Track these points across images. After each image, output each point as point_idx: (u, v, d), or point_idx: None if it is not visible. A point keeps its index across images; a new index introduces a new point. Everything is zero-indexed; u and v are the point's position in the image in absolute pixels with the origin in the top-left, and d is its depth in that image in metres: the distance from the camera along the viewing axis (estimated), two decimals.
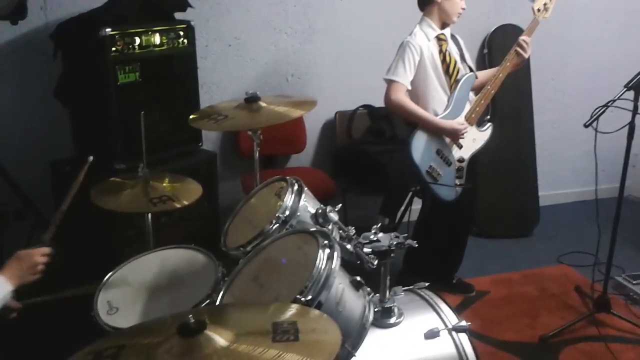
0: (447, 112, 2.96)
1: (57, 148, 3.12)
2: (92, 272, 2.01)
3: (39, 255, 1.79)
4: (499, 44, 4.01)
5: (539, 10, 2.97)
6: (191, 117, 2.39)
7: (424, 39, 2.98)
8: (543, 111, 4.23)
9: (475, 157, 3.09)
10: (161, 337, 1.14)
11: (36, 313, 1.74)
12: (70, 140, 3.14)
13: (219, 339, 1.11)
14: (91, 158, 2.08)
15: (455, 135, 2.94)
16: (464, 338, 1.76)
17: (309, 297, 1.42)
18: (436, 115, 2.95)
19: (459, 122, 2.94)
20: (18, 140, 3.12)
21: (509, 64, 2.98)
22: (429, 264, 3.13)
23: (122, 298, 1.85)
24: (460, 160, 3.01)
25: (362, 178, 3.54)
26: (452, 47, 3.05)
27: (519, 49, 2.96)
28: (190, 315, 1.11)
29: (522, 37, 2.98)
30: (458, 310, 1.87)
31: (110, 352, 1.13)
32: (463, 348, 1.73)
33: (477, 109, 2.99)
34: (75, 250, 1.95)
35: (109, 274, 1.96)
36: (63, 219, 1.96)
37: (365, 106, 3.74)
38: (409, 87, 2.97)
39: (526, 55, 2.98)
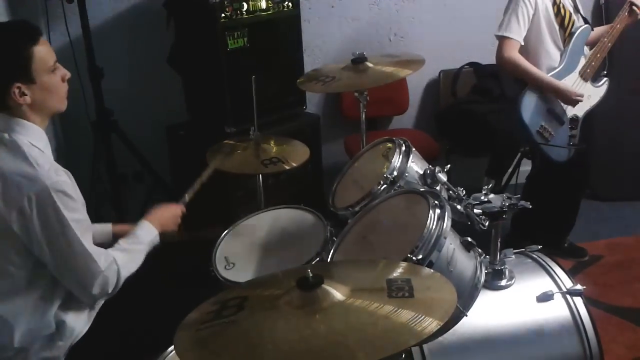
0: (560, 67, 2.81)
1: (172, 113, 3.28)
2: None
3: (179, 209, 2.00)
4: None
5: None
6: (299, 80, 2.43)
7: None
8: None
9: (590, 115, 2.93)
10: (281, 289, 1.19)
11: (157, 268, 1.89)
12: (184, 105, 3.29)
13: (336, 293, 1.15)
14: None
15: (569, 101, 2.80)
16: (579, 302, 1.70)
17: (420, 257, 1.43)
18: (550, 70, 2.82)
19: (577, 91, 2.80)
20: (136, 107, 3.30)
21: (619, 26, 2.80)
22: (539, 227, 3.03)
23: (238, 254, 1.96)
24: (574, 118, 2.86)
25: (467, 139, 3.46)
26: None
27: (629, 14, 2.79)
28: (309, 270, 1.16)
29: None
30: (569, 274, 1.81)
31: (234, 303, 1.20)
32: (578, 312, 1.68)
33: (593, 63, 2.82)
34: (192, 209, 2.08)
35: (225, 232, 2.07)
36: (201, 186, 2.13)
37: (470, 64, 3.63)
38: (522, 43, 2.84)
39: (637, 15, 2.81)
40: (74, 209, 1.61)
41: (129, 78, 3.31)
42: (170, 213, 1.97)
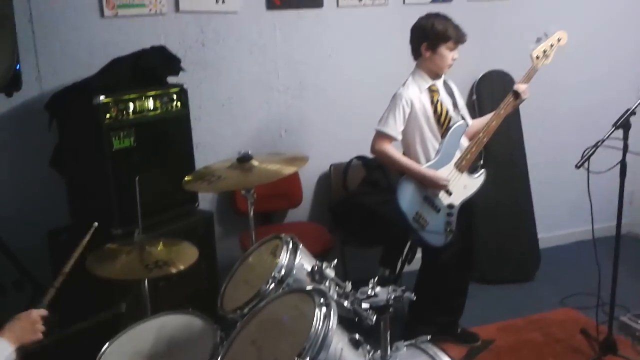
0: (435, 160, 2.98)
1: (54, 217, 3.13)
2: (90, 341, 1.98)
3: (37, 315, 1.81)
4: (487, 90, 4.07)
5: (537, 57, 3.03)
6: (185, 179, 2.41)
7: (415, 90, 3.02)
8: (536, 153, 4.26)
9: (470, 203, 3.09)
10: None
11: None
12: (67, 209, 3.15)
13: None
14: (96, 224, 2.09)
15: (435, 187, 2.95)
16: None
17: (308, 359, 1.40)
18: (428, 161, 2.98)
19: (443, 176, 2.95)
20: (15, 211, 3.13)
21: (502, 112, 3.02)
22: (433, 314, 3.09)
23: None
24: (450, 206, 3.00)
25: (360, 229, 3.53)
26: (444, 97, 3.09)
27: (515, 98, 3.02)
28: None
29: (518, 85, 3.03)
30: None
31: None
32: None
33: (468, 156, 3.00)
34: (72, 319, 1.93)
35: (106, 345, 1.94)
36: (63, 282, 1.98)
37: (359, 157, 3.76)
38: (398, 138, 3.01)
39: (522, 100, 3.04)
40: None
41: (8, 182, 3.15)
42: (26, 322, 1.77)
